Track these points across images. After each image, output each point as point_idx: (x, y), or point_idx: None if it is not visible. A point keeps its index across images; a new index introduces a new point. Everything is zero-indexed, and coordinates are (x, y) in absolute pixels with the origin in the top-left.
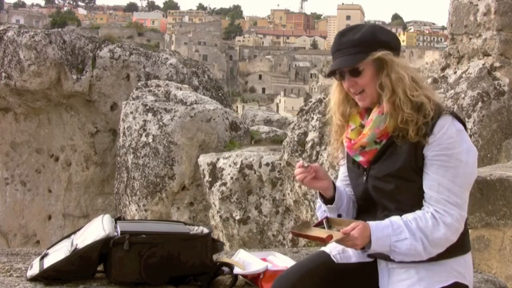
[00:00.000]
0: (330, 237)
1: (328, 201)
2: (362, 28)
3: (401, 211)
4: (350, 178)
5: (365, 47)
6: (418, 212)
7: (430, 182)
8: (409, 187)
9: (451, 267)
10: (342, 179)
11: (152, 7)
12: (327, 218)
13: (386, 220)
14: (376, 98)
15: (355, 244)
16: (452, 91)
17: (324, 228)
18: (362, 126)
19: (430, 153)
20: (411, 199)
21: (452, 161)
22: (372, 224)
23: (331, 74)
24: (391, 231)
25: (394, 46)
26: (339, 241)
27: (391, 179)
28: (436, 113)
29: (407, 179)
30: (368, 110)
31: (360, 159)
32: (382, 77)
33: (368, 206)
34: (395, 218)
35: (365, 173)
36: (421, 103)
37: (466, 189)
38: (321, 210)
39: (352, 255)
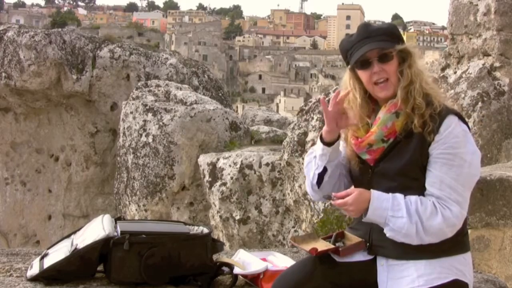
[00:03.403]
0: (314, 250)
1: (327, 143)
2: (383, 23)
3: None
4: (354, 175)
5: (393, 37)
6: (421, 197)
7: (433, 179)
8: (413, 185)
9: (451, 265)
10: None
11: (152, 7)
12: (338, 233)
13: (389, 194)
14: (397, 89)
15: (348, 210)
16: (452, 91)
17: (329, 241)
18: (370, 125)
19: (435, 151)
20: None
21: (456, 160)
22: (374, 193)
23: (357, 61)
24: (390, 205)
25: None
26: (325, 251)
27: (396, 177)
28: (443, 112)
29: (412, 177)
30: (375, 109)
31: (366, 157)
32: (404, 66)
33: None
34: (397, 195)
35: (370, 170)
36: (430, 97)
37: (468, 189)
38: (310, 157)
39: (353, 254)
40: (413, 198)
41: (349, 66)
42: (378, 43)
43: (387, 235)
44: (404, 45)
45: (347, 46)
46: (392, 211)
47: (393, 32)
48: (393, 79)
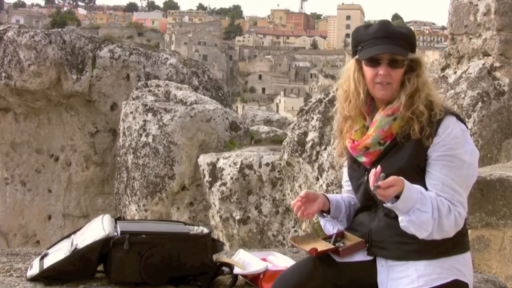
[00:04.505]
0: (314, 250)
1: (325, 213)
2: (403, 27)
3: None
4: (351, 178)
5: (408, 44)
6: (437, 195)
7: (434, 181)
8: None
9: (450, 265)
10: (345, 180)
11: (152, 7)
12: (337, 233)
13: (416, 186)
14: (396, 94)
15: (381, 196)
16: (452, 91)
17: (329, 241)
18: (366, 127)
19: (435, 153)
20: None
21: (456, 161)
22: (406, 181)
23: (367, 58)
24: (418, 197)
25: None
26: (325, 252)
27: None
28: (442, 114)
29: (409, 179)
30: (371, 112)
31: (363, 159)
32: (411, 75)
33: (369, 205)
34: (423, 189)
35: (366, 172)
36: (432, 105)
37: (467, 190)
38: (323, 221)
39: (353, 254)
40: (432, 194)
41: (356, 56)
42: (394, 48)
43: (402, 224)
44: (417, 56)
45: (362, 37)
46: (420, 204)
47: (410, 39)
48: (395, 85)
